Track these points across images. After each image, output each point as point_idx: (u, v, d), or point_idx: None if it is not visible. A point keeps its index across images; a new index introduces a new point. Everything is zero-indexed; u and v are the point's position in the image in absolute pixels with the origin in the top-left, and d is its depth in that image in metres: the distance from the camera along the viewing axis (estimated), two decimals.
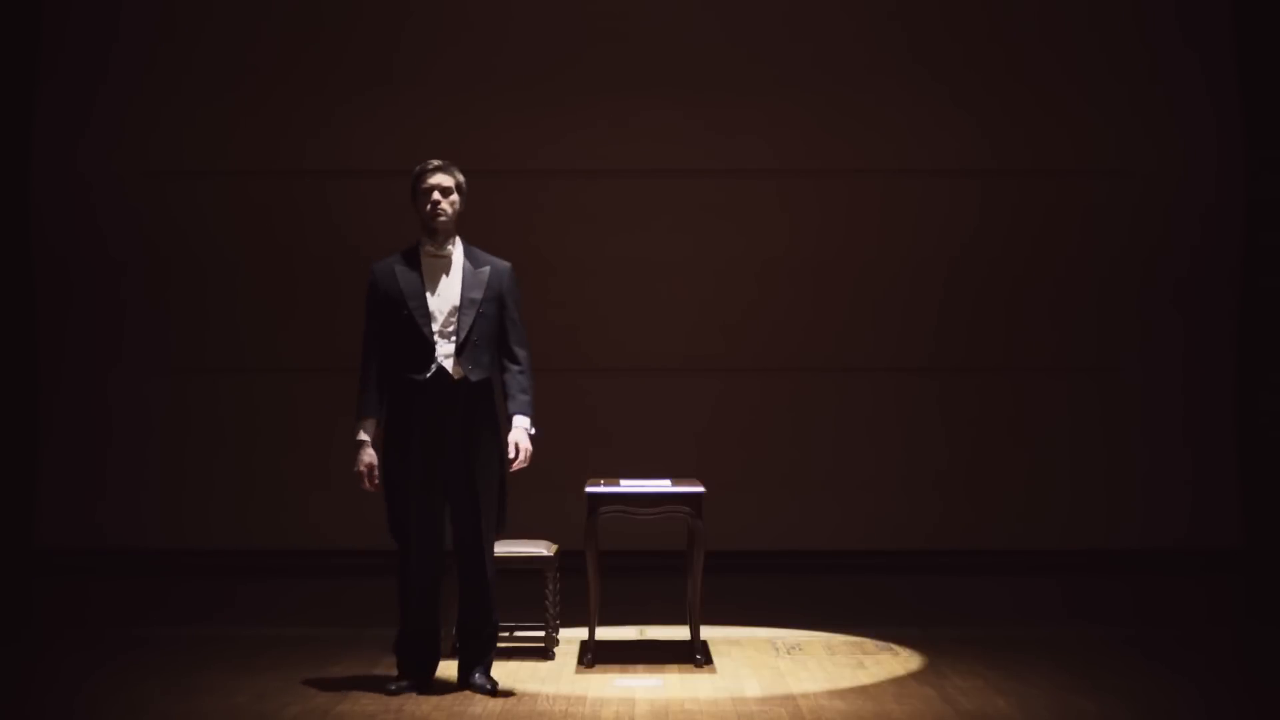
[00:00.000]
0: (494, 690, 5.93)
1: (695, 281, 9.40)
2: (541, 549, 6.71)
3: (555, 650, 6.70)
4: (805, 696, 5.94)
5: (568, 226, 9.36)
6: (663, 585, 7.46)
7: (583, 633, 6.59)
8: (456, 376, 5.89)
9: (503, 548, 6.39)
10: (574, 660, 6.56)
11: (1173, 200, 9.35)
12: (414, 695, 5.87)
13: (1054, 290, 9.39)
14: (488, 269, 6.02)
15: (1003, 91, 9.40)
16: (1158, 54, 9.36)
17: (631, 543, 7.33)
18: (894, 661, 6.61)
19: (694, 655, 6.49)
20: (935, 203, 9.41)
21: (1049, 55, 9.41)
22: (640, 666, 6.46)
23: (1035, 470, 9.32)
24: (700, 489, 6.56)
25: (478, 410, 5.92)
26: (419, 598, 5.94)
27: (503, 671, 6.20)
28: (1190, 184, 9.34)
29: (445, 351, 5.89)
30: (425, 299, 5.92)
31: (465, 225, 6.09)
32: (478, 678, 5.97)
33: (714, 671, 6.39)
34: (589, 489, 6.56)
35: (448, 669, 6.10)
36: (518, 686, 6.07)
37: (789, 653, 6.81)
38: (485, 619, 5.99)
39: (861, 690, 6.05)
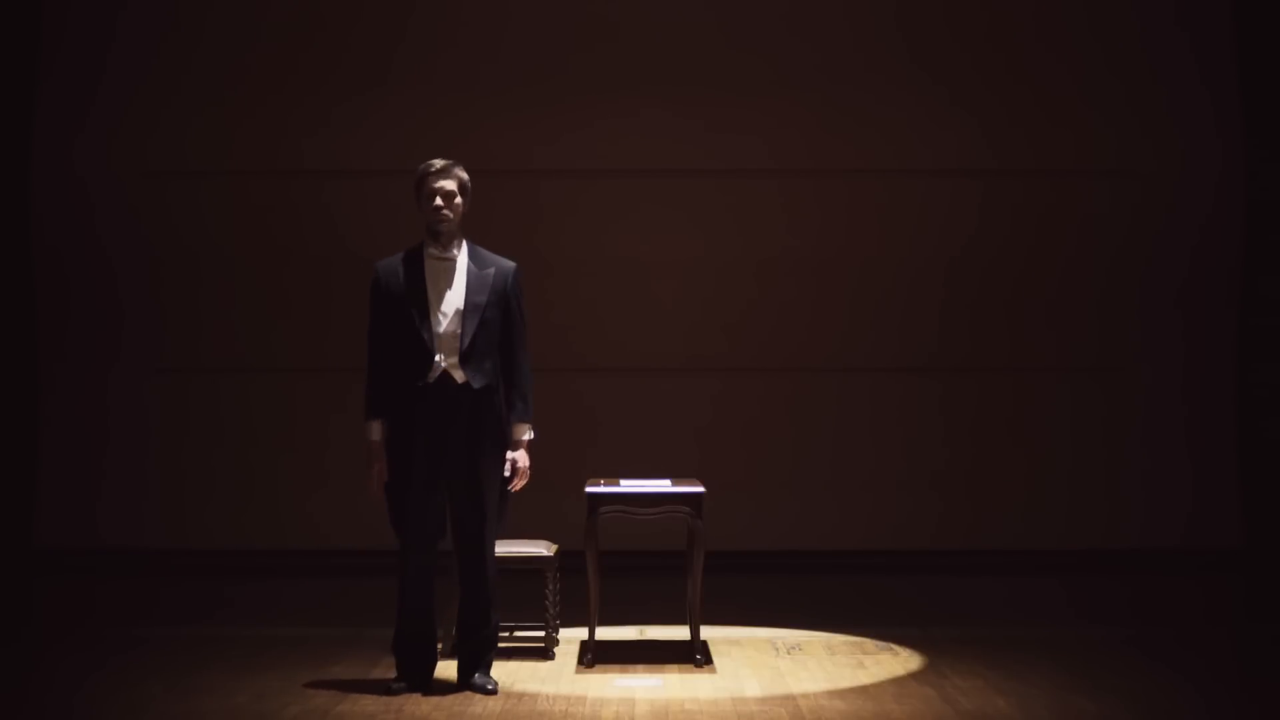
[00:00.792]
0: (494, 690, 5.92)
1: (695, 281, 9.40)
2: (541, 549, 6.71)
3: (555, 650, 6.70)
4: (805, 696, 5.93)
5: (566, 226, 9.36)
6: (663, 585, 7.46)
7: (583, 633, 6.59)
8: (459, 382, 5.87)
9: (503, 548, 6.38)
10: (574, 660, 6.56)
11: (1173, 201, 9.35)
12: (414, 695, 5.86)
13: (1054, 290, 9.39)
14: (492, 270, 5.97)
15: (1003, 91, 9.40)
16: (1158, 54, 9.36)
17: (631, 543, 7.34)
18: (894, 661, 6.61)
19: (694, 655, 6.49)
20: (935, 203, 9.41)
21: (1049, 55, 9.40)
22: (640, 666, 6.46)
23: (1035, 470, 9.32)
24: (700, 489, 6.56)
25: (480, 415, 5.89)
26: (414, 598, 5.93)
27: (503, 671, 6.20)
28: (1190, 184, 9.34)
29: (448, 358, 5.87)
30: (428, 304, 5.87)
31: (465, 226, 6.05)
32: (478, 678, 5.96)
33: (714, 671, 6.39)
34: (589, 489, 6.56)
35: (448, 669, 6.10)
36: (518, 686, 6.06)
37: (789, 653, 6.80)
38: (485, 619, 5.98)
39: (861, 690, 6.05)
